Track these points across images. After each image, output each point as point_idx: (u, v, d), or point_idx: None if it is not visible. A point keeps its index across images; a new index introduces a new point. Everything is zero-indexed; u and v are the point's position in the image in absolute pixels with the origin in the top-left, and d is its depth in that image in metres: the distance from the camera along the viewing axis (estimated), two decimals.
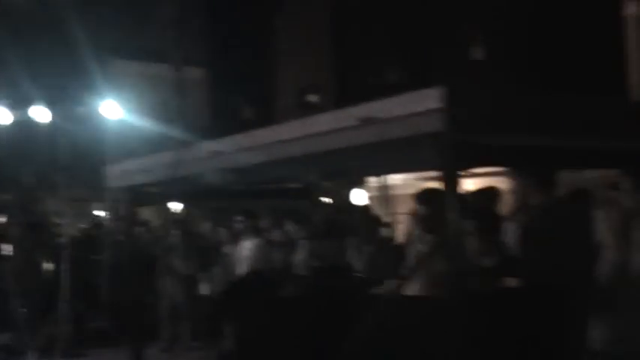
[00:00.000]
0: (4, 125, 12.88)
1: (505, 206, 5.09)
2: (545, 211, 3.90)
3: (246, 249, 7.81)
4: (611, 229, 4.16)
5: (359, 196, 19.68)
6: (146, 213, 12.29)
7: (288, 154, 3.14)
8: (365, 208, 10.72)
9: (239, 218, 8.14)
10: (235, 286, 5.05)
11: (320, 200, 6.94)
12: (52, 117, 11.41)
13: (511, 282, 3.90)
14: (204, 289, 8.56)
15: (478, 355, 2.76)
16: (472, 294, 3.00)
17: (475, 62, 3.15)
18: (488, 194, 5.41)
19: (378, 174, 5.78)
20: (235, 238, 8.33)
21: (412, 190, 7.14)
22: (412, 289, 3.81)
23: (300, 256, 5.81)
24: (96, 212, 16.32)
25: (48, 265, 9.32)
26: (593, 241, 3.95)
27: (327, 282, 3.95)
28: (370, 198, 19.28)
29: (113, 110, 13.64)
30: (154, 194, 5.76)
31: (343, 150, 2.85)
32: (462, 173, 4.27)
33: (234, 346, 4.01)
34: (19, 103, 12.58)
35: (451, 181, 2.69)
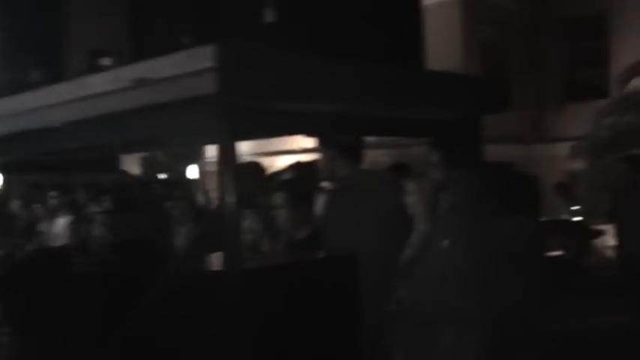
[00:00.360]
0: None
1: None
2: (350, 182, 3.88)
3: (60, 226, 7.40)
4: (422, 202, 4.23)
5: (192, 171, 19.37)
6: None
7: (59, 119, 2.86)
8: (189, 182, 10.53)
9: (53, 193, 7.70)
10: (14, 267, 4.68)
11: (124, 172, 6.62)
12: None
13: (320, 255, 3.87)
14: None
15: (259, 330, 2.67)
16: (252, 269, 2.89)
17: (268, 24, 3.03)
18: (302, 167, 5.40)
19: (165, 144, 5.50)
20: (51, 214, 7.86)
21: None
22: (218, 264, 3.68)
23: (100, 232, 5.56)
24: None
25: None
26: (402, 212, 3.98)
27: (122, 258, 3.74)
28: (203, 173, 19.03)
29: None
30: None
31: (118, 115, 2.63)
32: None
33: (10, 333, 3.69)
34: None
35: (226, 149, 2.54)
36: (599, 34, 17.91)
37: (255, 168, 6.11)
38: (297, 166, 5.43)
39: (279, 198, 4.11)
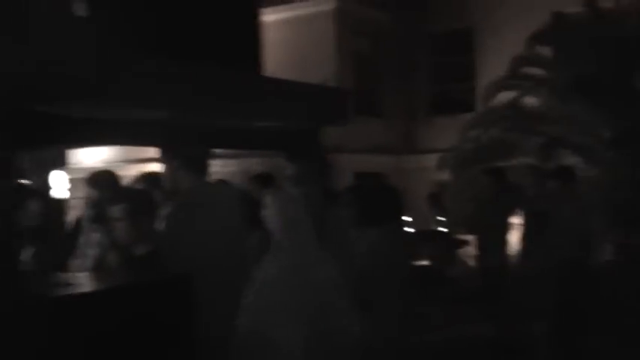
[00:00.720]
0: None
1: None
2: (194, 194, 3.65)
3: None
4: (279, 215, 4.07)
5: (58, 179, 18.39)
6: None
7: None
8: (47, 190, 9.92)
9: None
10: None
11: None
12: None
13: (160, 271, 3.61)
14: None
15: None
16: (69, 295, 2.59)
17: (79, 19, 2.78)
18: (151, 178, 5.11)
19: None
20: None
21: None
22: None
23: None
24: None
25: None
26: (254, 226, 3.80)
27: None
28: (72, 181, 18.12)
29: None
30: None
31: None
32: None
33: None
34: None
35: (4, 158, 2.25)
36: (466, 49, 18.53)
37: (108, 177, 5.75)
38: (146, 176, 5.13)
39: (117, 210, 3.82)
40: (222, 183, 8.60)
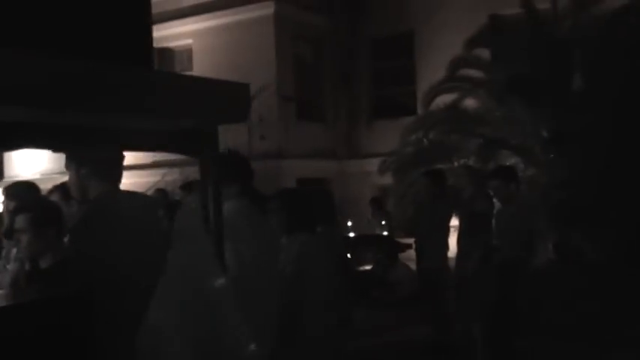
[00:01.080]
0: None
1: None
2: (103, 204, 3.42)
3: None
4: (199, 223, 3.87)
5: None
6: None
7: None
8: None
9: None
10: None
11: None
12: None
13: (66, 285, 3.37)
14: None
15: None
16: None
17: None
18: (61, 188, 4.88)
19: None
20: None
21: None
22: None
23: None
24: None
25: None
26: (161, 235, 3.57)
27: None
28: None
29: None
30: None
31: None
32: None
33: None
34: None
35: None
36: (407, 53, 18.56)
37: (24, 188, 5.49)
38: (61, 186, 4.89)
39: (20, 221, 3.59)
40: (159, 192, 8.38)
